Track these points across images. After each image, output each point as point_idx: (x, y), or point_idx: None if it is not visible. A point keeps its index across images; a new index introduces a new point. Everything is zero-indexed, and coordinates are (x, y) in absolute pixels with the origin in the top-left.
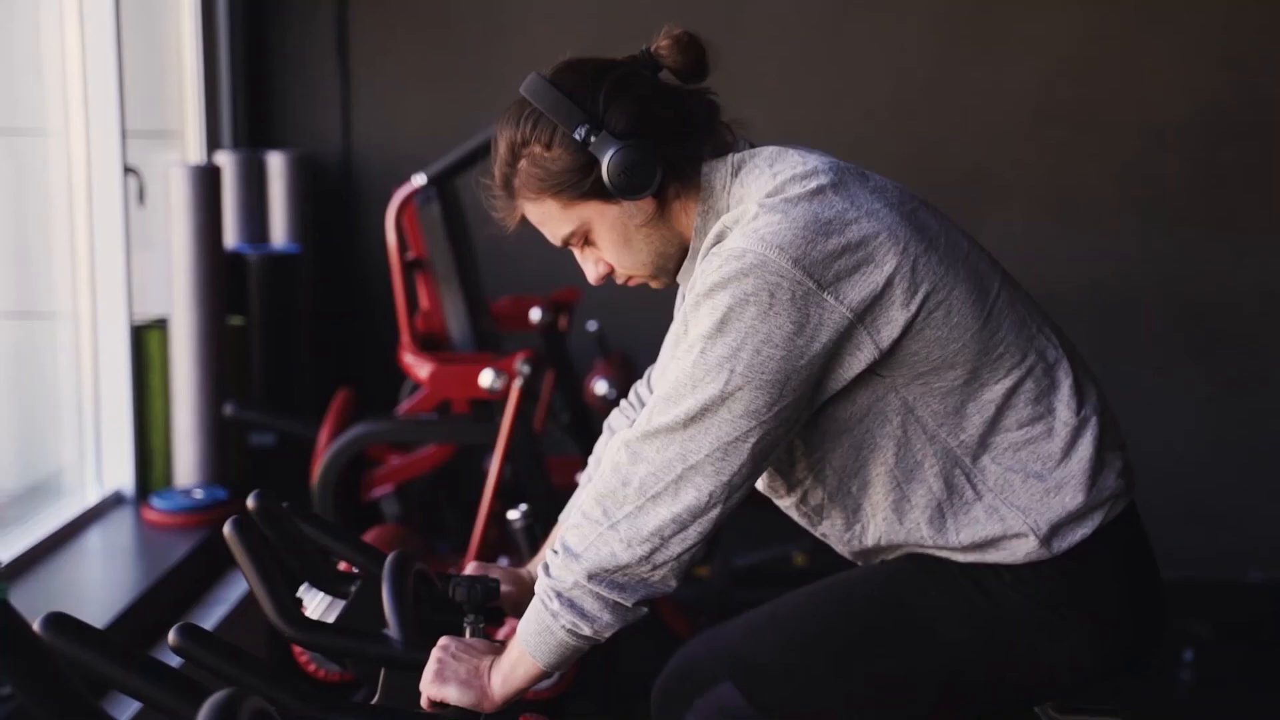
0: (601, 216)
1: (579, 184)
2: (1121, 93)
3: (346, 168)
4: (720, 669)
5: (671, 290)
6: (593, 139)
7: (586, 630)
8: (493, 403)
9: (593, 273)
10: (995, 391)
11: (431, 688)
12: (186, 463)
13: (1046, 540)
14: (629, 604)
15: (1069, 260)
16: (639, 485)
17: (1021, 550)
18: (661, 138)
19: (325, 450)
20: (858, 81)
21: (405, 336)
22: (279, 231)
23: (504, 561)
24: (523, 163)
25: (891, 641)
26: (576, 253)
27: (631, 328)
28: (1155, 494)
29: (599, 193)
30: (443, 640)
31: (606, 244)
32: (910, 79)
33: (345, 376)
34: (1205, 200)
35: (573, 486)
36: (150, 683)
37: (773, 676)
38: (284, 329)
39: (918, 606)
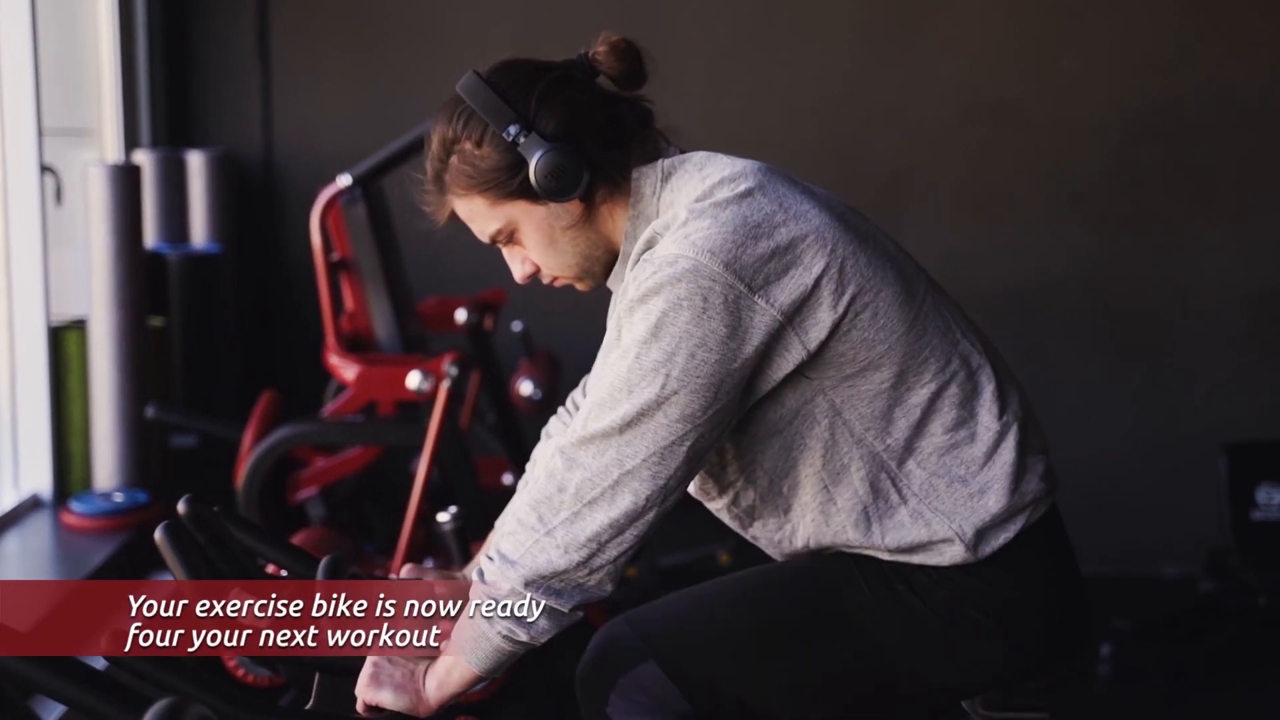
0: (528, 216)
1: (506, 183)
2: (1044, 93)
3: (268, 167)
4: (644, 649)
5: (599, 290)
6: (522, 139)
7: (523, 636)
8: (419, 404)
9: (519, 271)
10: (920, 395)
11: (367, 692)
12: (106, 465)
13: (972, 545)
14: (565, 609)
15: (992, 259)
16: (575, 491)
17: (947, 554)
18: (591, 142)
19: (250, 453)
20: (783, 83)
21: (330, 338)
22: (200, 231)
23: (429, 563)
24: (453, 159)
25: (818, 627)
26: (504, 250)
27: (557, 328)
28: (1075, 490)
29: (526, 193)
30: None
31: (532, 244)
32: (834, 79)
33: (270, 378)
34: (1127, 200)
35: (499, 487)
36: (83, 689)
37: (698, 656)
38: (206, 330)
39: (845, 596)
